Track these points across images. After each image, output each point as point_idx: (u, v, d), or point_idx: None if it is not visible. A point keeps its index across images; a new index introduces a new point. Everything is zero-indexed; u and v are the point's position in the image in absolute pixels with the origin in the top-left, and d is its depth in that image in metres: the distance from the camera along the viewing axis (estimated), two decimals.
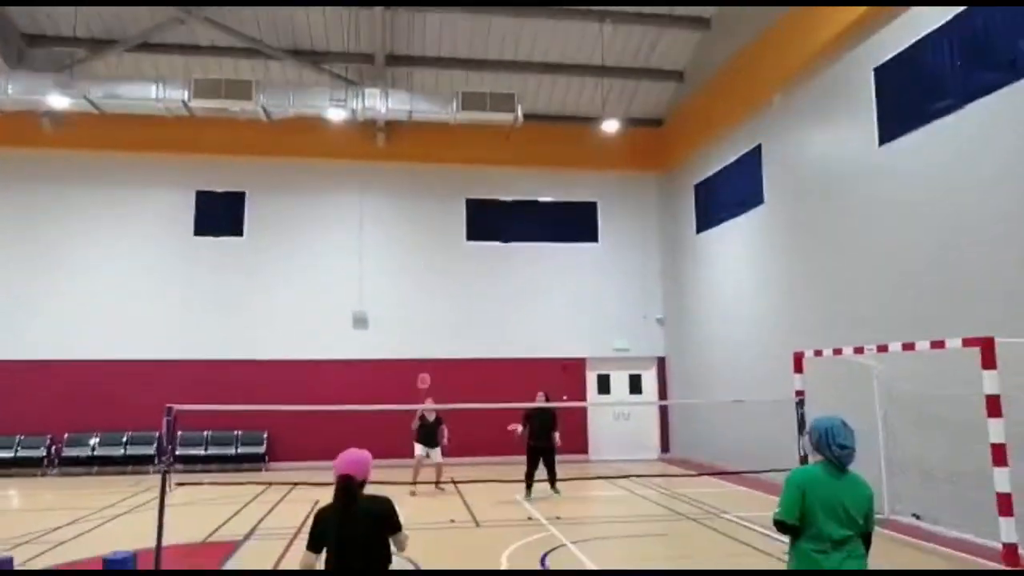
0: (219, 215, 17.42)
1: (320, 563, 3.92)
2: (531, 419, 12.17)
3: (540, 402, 12.04)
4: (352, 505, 3.90)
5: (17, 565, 7.29)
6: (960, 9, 9.18)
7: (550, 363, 17.39)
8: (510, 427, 12.47)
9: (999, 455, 6.73)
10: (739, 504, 11.27)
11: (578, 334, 17.95)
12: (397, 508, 4.06)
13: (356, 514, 3.88)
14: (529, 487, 12.01)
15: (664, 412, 18.26)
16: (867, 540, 3.79)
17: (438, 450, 12.94)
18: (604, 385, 18.13)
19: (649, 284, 18.67)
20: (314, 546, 3.91)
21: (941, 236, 9.39)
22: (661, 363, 18.48)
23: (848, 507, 3.74)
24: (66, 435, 15.99)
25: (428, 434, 12.84)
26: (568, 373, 17.33)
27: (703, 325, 16.48)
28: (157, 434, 15.91)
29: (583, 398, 17.23)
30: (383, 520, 3.96)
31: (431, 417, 12.85)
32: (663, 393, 18.17)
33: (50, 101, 13.94)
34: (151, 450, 15.96)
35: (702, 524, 9.99)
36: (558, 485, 12.19)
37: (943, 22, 9.51)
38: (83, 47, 15.47)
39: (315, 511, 4.03)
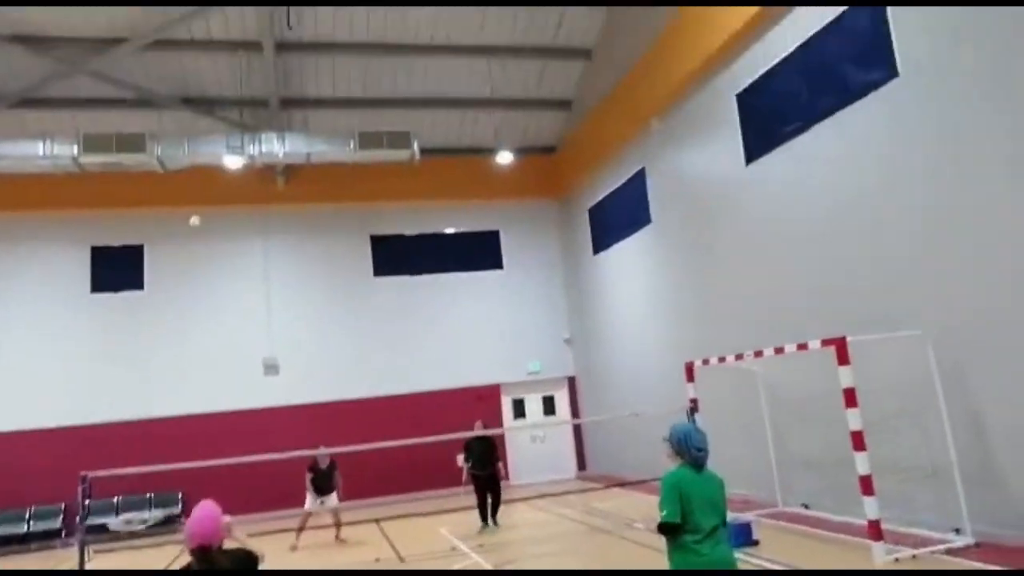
0: (117, 270, 16.99)
1: None
2: (470, 449, 12.06)
3: (478, 431, 12.07)
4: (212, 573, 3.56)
5: None
6: (805, 37, 10.19)
7: (466, 392, 17.71)
8: (459, 461, 12.40)
9: (858, 441, 7.52)
10: (647, 510, 11.86)
11: (491, 360, 18.36)
12: (262, 565, 3.74)
13: None
14: (484, 517, 11.86)
15: (578, 431, 18.86)
16: (725, 524, 4.36)
17: (334, 496, 12.13)
18: (519, 409, 18.59)
19: (555, 306, 19.32)
20: None
21: (802, 245, 10.33)
22: (572, 383, 19.11)
23: (713, 500, 4.31)
24: None
25: (323, 482, 12.06)
26: (483, 402, 17.66)
27: (607, 343, 17.22)
28: (62, 505, 15.26)
29: (499, 424, 17.58)
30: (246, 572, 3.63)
31: (324, 464, 12.11)
32: (575, 412, 18.76)
33: None
34: (56, 523, 15.27)
35: (616, 535, 10.50)
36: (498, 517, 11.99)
37: (790, 51, 10.53)
38: None
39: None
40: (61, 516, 15.28)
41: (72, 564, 8.51)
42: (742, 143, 11.70)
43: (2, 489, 15.21)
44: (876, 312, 8.84)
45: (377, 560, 10.37)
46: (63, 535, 15.08)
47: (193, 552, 3.52)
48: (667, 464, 4.50)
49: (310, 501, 12.07)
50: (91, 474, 7.73)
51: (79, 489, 7.78)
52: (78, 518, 7.75)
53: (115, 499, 15.51)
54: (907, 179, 8.55)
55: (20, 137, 14.47)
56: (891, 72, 8.65)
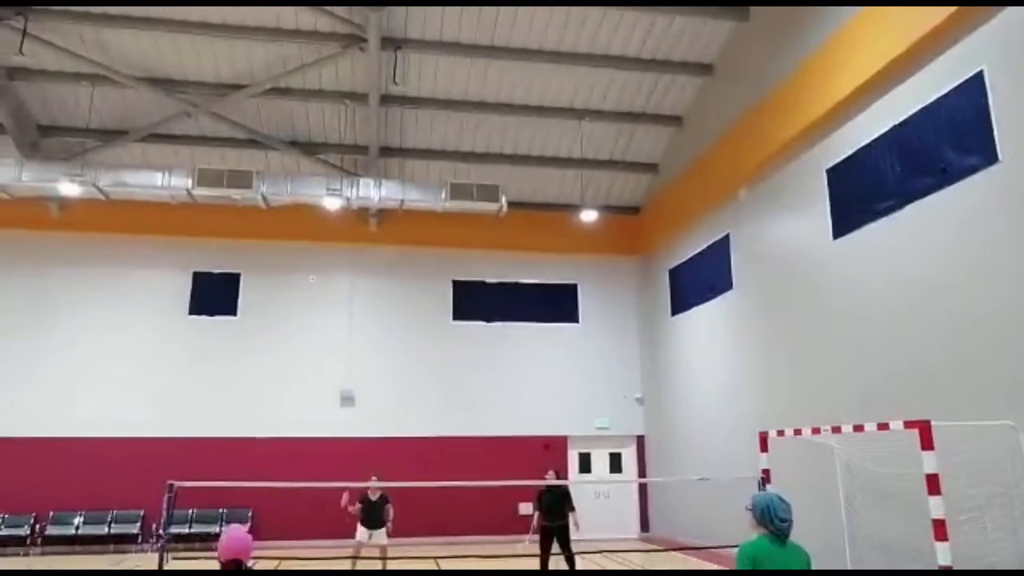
0: (214, 295, 18.07)
1: None
2: (541, 499, 11.88)
3: (551, 480, 11.98)
4: None
5: None
6: (901, 119, 10.23)
7: (533, 441, 17.83)
8: (528, 509, 12.28)
9: (940, 531, 7.29)
10: None
11: (560, 413, 18.47)
12: None
13: None
14: (543, 567, 11.69)
15: (643, 491, 18.62)
16: None
17: (383, 531, 12.18)
18: (585, 463, 18.54)
19: (628, 364, 19.33)
20: None
21: (889, 323, 10.17)
22: (640, 441, 18.96)
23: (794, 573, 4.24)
24: (51, 513, 16.10)
25: (372, 514, 12.16)
26: (550, 452, 17.74)
27: (679, 405, 17.08)
28: (142, 512, 16.05)
29: (565, 476, 17.55)
30: None
31: (375, 496, 12.24)
32: (642, 471, 18.58)
33: (61, 189, 14.71)
34: (135, 528, 16.07)
35: None
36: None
37: (885, 130, 10.56)
38: (94, 137, 16.40)
39: None
40: (140, 522, 16.04)
41: (148, 565, 8.97)
42: (830, 217, 11.68)
43: (88, 491, 16.14)
44: (961, 400, 8.61)
45: None
46: (139, 540, 15.82)
47: (226, 564, 3.68)
48: (750, 532, 4.42)
49: (360, 533, 12.16)
50: (177, 484, 8.20)
51: (165, 497, 8.23)
52: (155, 525, 8.23)
53: (190, 511, 16.17)
54: (1003, 269, 8.41)
55: (143, 168, 15.75)
56: (991, 158, 8.60)
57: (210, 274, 18.23)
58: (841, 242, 11.36)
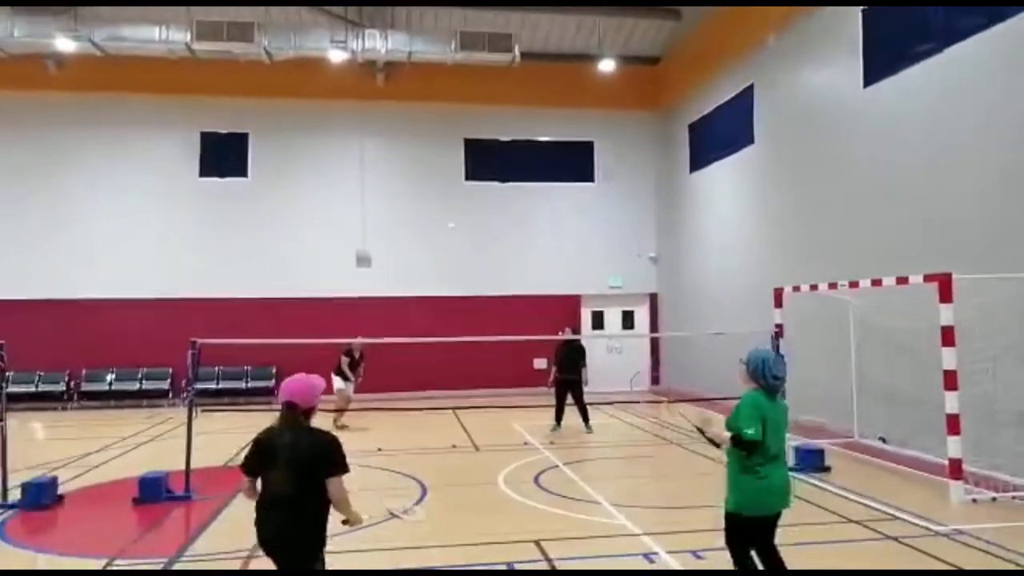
0: (223, 156, 17.78)
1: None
2: (558, 353, 12.41)
3: (567, 336, 12.41)
4: (295, 434, 3.73)
5: (60, 486, 8.04)
6: None
7: (547, 299, 18.01)
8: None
9: (951, 381, 7.36)
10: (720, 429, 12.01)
11: (574, 272, 18.52)
12: (344, 450, 3.79)
13: (295, 442, 3.69)
14: (558, 419, 12.25)
15: (655, 346, 19.00)
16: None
17: (352, 385, 13.17)
18: (598, 321, 18.82)
19: (644, 222, 19.14)
20: (250, 469, 3.80)
21: (917, 175, 9.82)
22: (653, 299, 19.12)
23: (780, 426, 4.41)
24: (84, 371, 16.77)
25: (356, 367, 13.23)
26: (564, 310, 17.94)
27: (694, 263, 17.03)
28: (170, 370, 16.66)
29: (578, 334, 17.82)
30: (322, 454, 3.71)
31: (357, 354, 13.24)
32: (654, 328, 18.85)
33: (57, 44, 14.14)
34: (165, 385, 16.76)
35: (683, 448, 10.72)
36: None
37: None
38: None
39: (258, 434, 3.87)
40: (169, 379, 16.71)
41: (178, 421, 9.39)
42: (862, 64, 11.03)
43: (118, 350, 16.70)
44: (987, 249, 8.44)
45: (454, 446, 10.97)
46: (169, 396, 16.55)
47: (281, 407, 3.79)
48: (741, 385, 4.51)
49: (340, 383, 12.90)
50: (200, 341, 8.36)
51: (189, 353, 8.40)
52: (185, 380, 8.44)
53: (216, 368, 16.77)
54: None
55: (139, 22, 15.03)
56: None
57: (218, 134, 17.85)
58: (872, 90, 10.78)
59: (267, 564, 3.82)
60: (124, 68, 16.31)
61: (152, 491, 7.73)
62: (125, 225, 17.21)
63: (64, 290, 16.76)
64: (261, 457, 3.76)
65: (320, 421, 3.99)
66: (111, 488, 8.58)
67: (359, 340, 12.76)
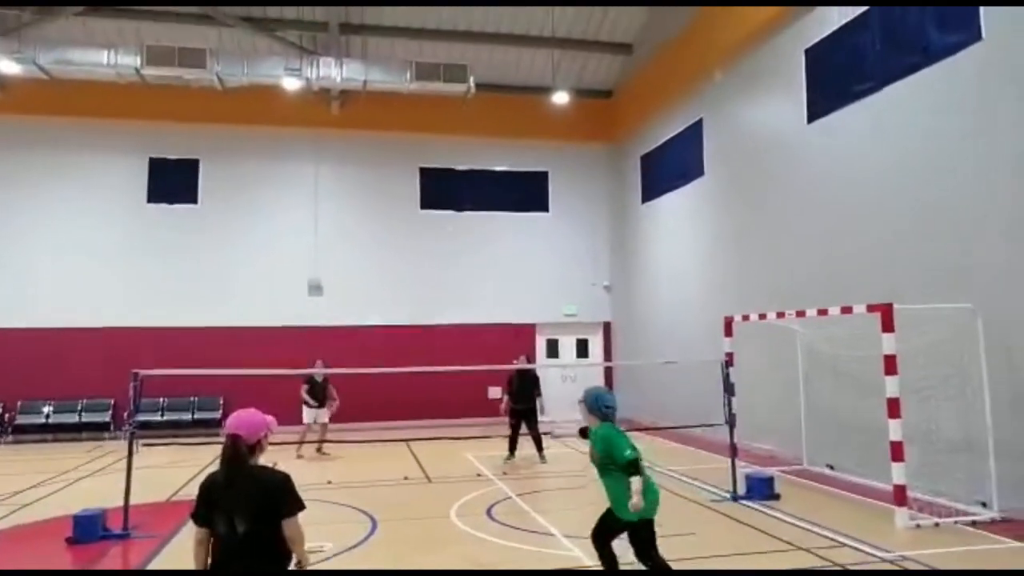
0: (173, 182, 17.43)
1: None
2: (511, 382, 12.28)
3: (521, 364, 12.25)
4: (237, 470, 3.53)
5: None
6: None
7: (502, 328, 18.00)
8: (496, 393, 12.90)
9: (894, 408, 7.54)
10: (671, 458, 12.09)
11: (529, 300, 18.58)
12: (297, 488, 3.64)
13: (242, 481, 3.51)
14: (512, 450, 12.14)
15: (609, 374, 19.08)
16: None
17: (325, 411, 13.20)
18: (553, 349, 18.87)
19: (597, 252, 19.35)
20: (201, 518, 3.59)
21: (858, 207, 10.15)
22: (607, 328, 19.27)
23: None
24: (19, 403, 16.08)
25: (318, 394, 13.13)
26: (519, 339, 17.95)
27: (647, 292, 17.25)
28: (112, 401, 16.10)
29: (533, 362, 17.83)
30: (273, 493, 3.54)
31: (320, 378, 13.16)
32: (608, 357, 18.97)
33: (0, 67, 13.76)
34: (106, 417, 16.15)
35: None
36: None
37: (865, 8, 10.15)
38: (30, 10, 15.21)
39: (201, 481, 3.69)
40: (110, 411, 16.13)
41: (120, 455, 9.02)
42: (806, 100, 11.42)
43: (58, 381, 16.08)
44: (925, 282, 8.74)
45: (406, 478, 10.79)
46: (111, 428, 15.95)
47: (225, 440, 3.60)
48: (584, 421, 5.18)
49: (309, 414, 13.06)
50: (142, 372, 8.09)
51: (131, 385, 8.12)
52: (127, 413, 8.15)
53: (161, 400, 16.26)
54: (971, 154, 8.31)
55: (87, 45, 14.74)
56: (975, 35, 8.31)
57: (167, 160, 17.51)
58: (815, 126, 11.16)
59: None
60: (71, 92, 15.93)
61: (87, 530, 7.39)
62: (69, 251, 16.68)
63: (2, 319, 16.12)
64: (209, 504, 3.56)
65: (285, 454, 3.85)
66: (44, 527, 8.18)
67: (319, 365, 12.63)
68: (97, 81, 15.31)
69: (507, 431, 12.28)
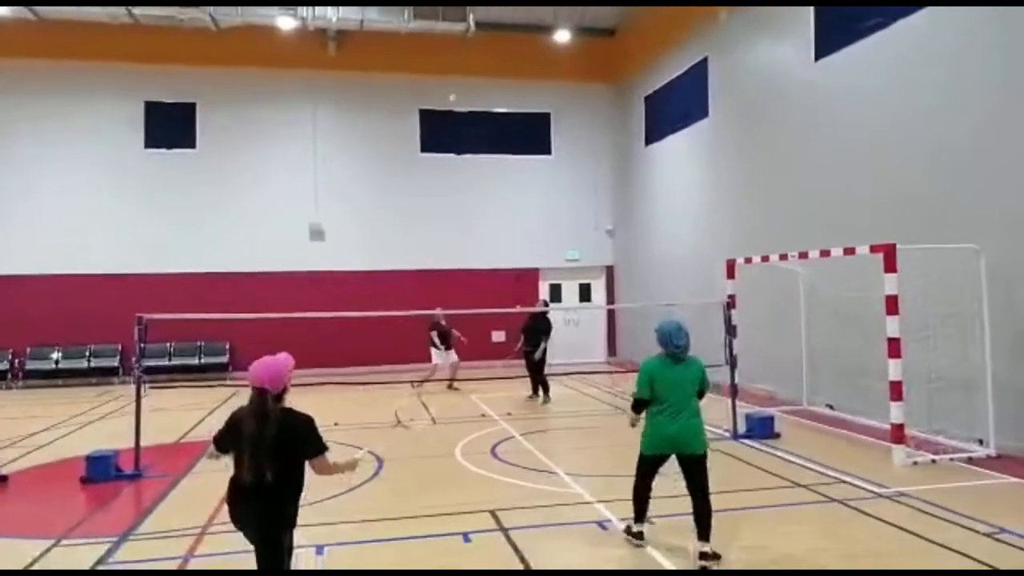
0: (170, 127, 17.22)
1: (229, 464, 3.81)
2: (524, 325, 12.74)
3: (539, 308, 12.82)
4: (265, 419, 3.67)
5: (4, 466, 7.81)
6: None
7: (504, 273, 18.02)
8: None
9: (894, 349, 7.59)
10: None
11: (531, 245, 18.54)
12: (319, 428, 3.84)
13: (269, 427, 3.65)
14: (536, 390, 12.54)
15: (611, 318, 19.19)
16: (701, 395, 5.35)
17: (453, 352, 13.99)
18: (556, 294, 18.91)
19: (600, 195, 19.20)
20: (221, 446, 3.84)
21: (865, 148, 10.02)
22: (610, 272, 19.28)
23: (682, 383, 5.22)
24: (28, 349, 16.24)
25: (445, 338, 13.89)
26: (521, 283, 17.99)
27: (650, 235, 17.18)
28: (119, 346, 16.25)
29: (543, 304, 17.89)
30: (298, 437, 3.74)
31: (444, 322, 13.78)
32: (611, 300, 19.03)
33: None
34: (114, 362, 16.35)
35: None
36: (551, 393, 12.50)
37: None
38: None
39: (233, 412, 3.86)
40: (118, 356, 16.30)
41: (129, 399, 9.19)
42: (813, 38, 11.16)
43: (65, 327, 16.21)
44: (929, 222, 8.68)
45: (412, 420, 10.96)
46: (120, 373, 16.15)
47: (251, 392, 3.75)
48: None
49: (437, 355, 13.84)
50: (146, 316, 8.14)
51: (135, 329, 8.17)
52: (134, 357, 8.23)
53: (168, 344, 16.42)
54: (985, 93, 8.15)
55: None
56: None
57: (163, 104, 17.26)
58: (823, 63, 10.93)
59: (223, 541, 3.77)
60: (61, 33, 15.64)
61: (100, 470, 7.57)
62: (69, 197, 16.61)
63: (5, 265, 16.16)
64: (233, 437, 3.75)
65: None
66: (58, 467, 8.37)
67: (439, 311, 12.86)
68: (89, 21, 14.98)
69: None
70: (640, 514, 5.40)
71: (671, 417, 5.13)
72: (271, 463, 3.61)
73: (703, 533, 5.00)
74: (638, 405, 5.31)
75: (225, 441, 3.81)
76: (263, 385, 3.73)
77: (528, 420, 11.00)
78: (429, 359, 14.24)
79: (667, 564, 5.10)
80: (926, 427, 8.15)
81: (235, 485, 3.75)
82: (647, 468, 5.33)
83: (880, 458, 7.84)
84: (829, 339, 10.38)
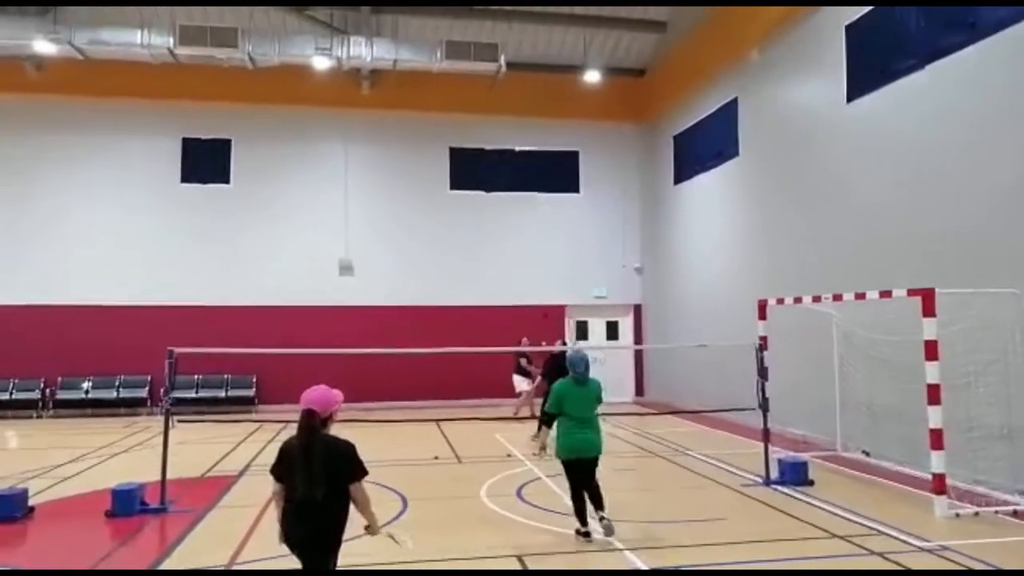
0: (205, 162, 17.61)
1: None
2: (546, 364, 12.64)
3: (565, 347, 12.91)
4: (311, 439, 3.97)
5: (32, 497, 7.83)
6: None
7: (531, 310, 17.95)
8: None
9: (934, 395, 7.36)
10: (702, 442, 12.00)
11: (558, 282, 18.50)
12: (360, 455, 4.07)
13: (315, 448, 3.94)
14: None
15: (639, 357, 18.97)
16: (599, 401, 6.74)
17: (530, 383, 14.05)
18: (582, 331, 18.79)
19: (628, 233, 19.17)
20: (278, 474, 4.07)
21: (898, 190, 9.88)
22: (637, 310, 19.13)
23: (586, 400, 6.60)
24: (60, 379, 16.46)
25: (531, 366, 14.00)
26: (548, 320, 17.90)
27: (678, 274, 17.06)
28: (148, 377, 16.40)
29: (564, 344, 17.78)
30: (340, 460, 3.99)
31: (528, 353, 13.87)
32: (638, 339, 18.84)
33: (35, 47, 13.94)
34: (143, 393, 16.51)
35: (667, 460, 10.69)
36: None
37: None
38: None
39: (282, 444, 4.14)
40: (147, 387, 16.45)
41: (156, 430, 9.25)
42: (845, 80, 11.12)
43: (96, 357, 16.42)
44: (966, 266, 8.49)
45: (436, 458, 10.85)
46: (147, 404, 16.27)
47: (301, 414, 4.03)
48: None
49: (524, 384, 13.89)
50: (177, 350, 8.19)
51: (166, 363, 8.24)
52: (163, 389, 8.28)
53: (195, 376, 16.53)
54: (1012, 131, 8.02)
55: (121, 25, 14.86)
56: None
57: (200, 140, 17.67)
58: (855, 105, 10.87)
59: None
60: (105, 72, 16.14)
61: (126, 503, 7.55)
62: (105, 231, 16.98)
63: (41, 296, 16.50)
64: (284, 463, 4.04)
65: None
66: (84, 500, 8.37)
67: (524, 342, 13.28)
68: (131, 61, 15.45)
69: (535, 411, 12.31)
70: (580, 516, 6.55)
71: (578, 427, 6.48)
72: (318, 482, 3.87)
73: (598, 505, 6.48)
74: (549, 419, 6.78)
75: (279, 468, 4.06)
76: (311, 406, 4.05)
77: (554, 461, 10.77)
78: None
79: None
80: (966, 477, 7.86)
81: (288, 506, 4.01)
82: (570, 474, 6.54)
83: (920, 508, 7.56)
84: (864, 383, 10.12)
